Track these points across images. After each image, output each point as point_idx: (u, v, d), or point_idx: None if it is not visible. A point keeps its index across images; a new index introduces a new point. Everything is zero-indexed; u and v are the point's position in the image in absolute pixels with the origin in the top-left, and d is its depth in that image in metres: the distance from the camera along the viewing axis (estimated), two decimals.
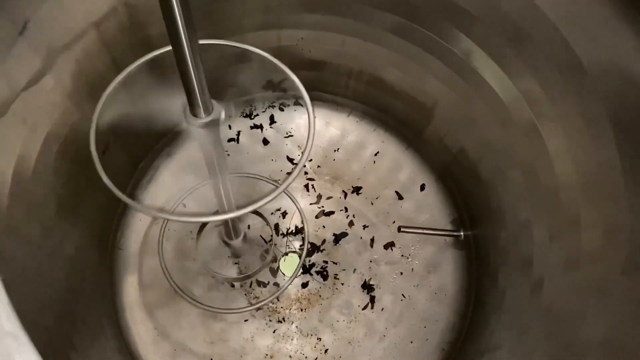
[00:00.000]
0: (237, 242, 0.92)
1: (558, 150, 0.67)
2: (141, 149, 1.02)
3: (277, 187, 0.54)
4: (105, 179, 0.55)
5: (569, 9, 0.58)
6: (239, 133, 1.10)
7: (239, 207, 0.59)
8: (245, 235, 0.93)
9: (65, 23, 0.64)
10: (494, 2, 0.67)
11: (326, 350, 0.96)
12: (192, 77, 0.50)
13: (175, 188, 1.03)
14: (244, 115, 1.11)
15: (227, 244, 0.94)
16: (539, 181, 0.74)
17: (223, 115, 0.57)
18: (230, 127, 1.10)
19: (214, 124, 0.56)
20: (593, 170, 0.61)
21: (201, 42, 0.57)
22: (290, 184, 0.56)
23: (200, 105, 0.54)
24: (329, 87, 1.05)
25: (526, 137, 0.73)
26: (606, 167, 0.58)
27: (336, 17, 0.87)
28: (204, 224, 1.00)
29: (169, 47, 0.58)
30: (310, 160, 1.09)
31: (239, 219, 0.93)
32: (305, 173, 1.09)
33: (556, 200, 0.69)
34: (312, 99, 0.56)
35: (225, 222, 0.87)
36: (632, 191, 0.54)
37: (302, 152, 0.58)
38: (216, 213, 0.71)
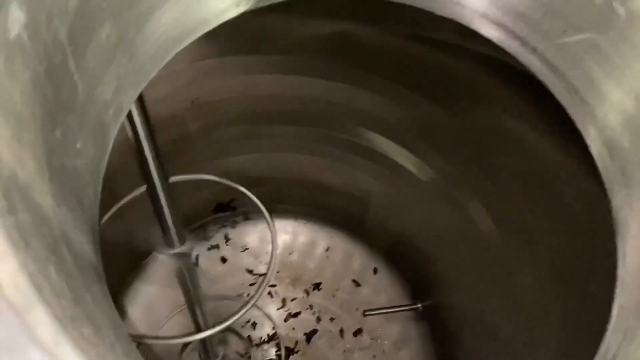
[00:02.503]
0: None
1: (476, 211, 0.80)
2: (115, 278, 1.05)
3: (244, 302, 0.62)
4: None
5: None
6: (197, 257, 1.16)
7: (212, 326, 0.65)
8: (223, 355, 0.96)
9: None
10: (391, 107, 0.83)
11: None
12: (167, 214, 0.58)
13: (149, 320, 1.06)
14: (199, 238, 1.18)
15: None
16: (472, 243, 0.86)
17: (194, 244, 0.65)
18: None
19: (188, 252, 0.64)
20: (509, 218, 0.74)
21: (171, 179, 0.66)
22: (257, 300, 0.64)
23: (175, 237, 0.62)
24: (275, 197, 1.16)
25: (449, 207, 0.86)
26: (517, 213, 0.71)
27: (271, 139, 1.00)
28: (182, 349, 1.02)
29: (139, 191, 0.67)
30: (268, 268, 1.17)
31: (213, 338, 0.96)
32: (270, 279, 1.15)
33: (488, 256, 0.81)
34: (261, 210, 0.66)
35: (202, 344, 0.90)
36: (542, 230, 0.67)
37: (268, 267, 0.67)
38: (192, 334, 0.75)
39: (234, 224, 1.20)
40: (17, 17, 0.15)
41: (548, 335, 0.63)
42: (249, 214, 1.20)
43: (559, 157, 0.57)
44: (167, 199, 0.57)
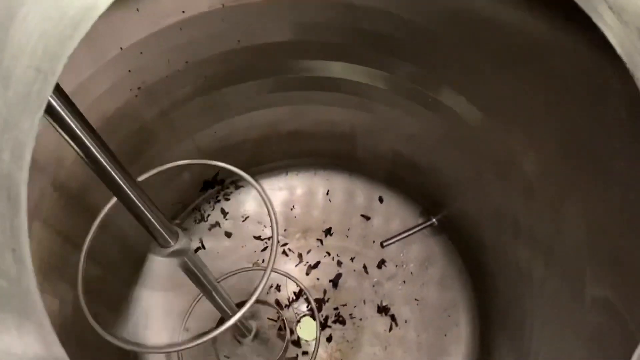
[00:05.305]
0: (250, 340, 0.94)
1: (460, 106, 0.75)
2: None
3: (262, 270, 0.59)
4: (113, 339, 0.57)
5: None
6: (201, 240, 1.13)
7: (238, 306, 0.62)
8: (256, 329, 0.94)
9: None
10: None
11: None
12: (148, 217, 0.54)
13: (171, 317, 1.04)
14: (197, 221, 1.14)
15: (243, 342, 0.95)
16: (465, 142, 0.82)
17: (188, 236, 0.61)
18: (191, 239, 1.13)
19: (185, 246, 0.60)
20: (497, 105, 0.70)
21: (140, 178, 0.61)
22: (272, 266, 0.60)
23: (166, 235, 0.57)
24: (257, 159, 1.11)
25: (432, 112, 0.81)
26: (505, 99, 0.66)
27: (229, 104, 0.93)
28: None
29: (114, 200, 0.62)
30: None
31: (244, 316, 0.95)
32: (277, 241, 1.12)
33: (486, 150, 0.78)
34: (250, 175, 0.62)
35: (234, 325, 0.88)
36: (539, 109, 0.63)
37: (272, 232, 0.63)
38: (221, 322, 0.72)
39: (227, 197, 1.16)
40: None
41: (572, 214, 0.61)
42: (239, 182, 1.16)
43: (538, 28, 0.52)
44: (142, 202, 0.52)
